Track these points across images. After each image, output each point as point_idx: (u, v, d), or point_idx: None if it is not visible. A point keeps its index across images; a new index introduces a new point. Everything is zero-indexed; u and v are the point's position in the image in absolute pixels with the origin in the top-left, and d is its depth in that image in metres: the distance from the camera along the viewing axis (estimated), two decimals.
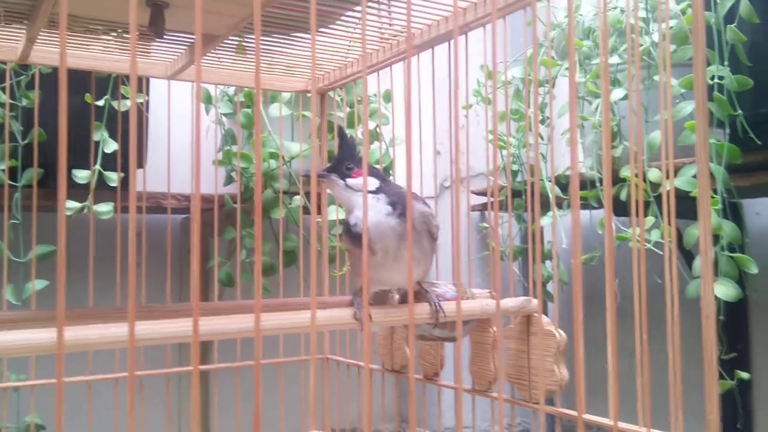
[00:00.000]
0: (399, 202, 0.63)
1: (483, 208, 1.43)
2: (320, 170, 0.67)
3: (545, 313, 0.70)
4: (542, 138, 1.29)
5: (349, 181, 0.65)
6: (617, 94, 1.12)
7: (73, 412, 0.98)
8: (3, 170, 0.99)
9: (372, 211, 0.61)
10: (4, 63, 0.96)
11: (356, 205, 0.64)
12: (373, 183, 0.64)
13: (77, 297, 1.01)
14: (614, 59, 1.14)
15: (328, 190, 0.73)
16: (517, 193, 1.31)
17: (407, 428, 1.41)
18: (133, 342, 0.38)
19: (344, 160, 0.66)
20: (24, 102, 1.01)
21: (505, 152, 1.33)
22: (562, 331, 0.67)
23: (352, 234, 0.64)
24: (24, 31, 0.76)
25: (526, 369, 0.69)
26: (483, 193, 1.39)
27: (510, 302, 0.70)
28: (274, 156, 1.17)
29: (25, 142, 1.01)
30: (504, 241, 1.36)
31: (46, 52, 0.84)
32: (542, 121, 1.27)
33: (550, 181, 1.21)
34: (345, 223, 0.66)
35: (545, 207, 1.10)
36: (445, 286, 0.71)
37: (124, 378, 0.95)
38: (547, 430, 0.70)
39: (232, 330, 0.50)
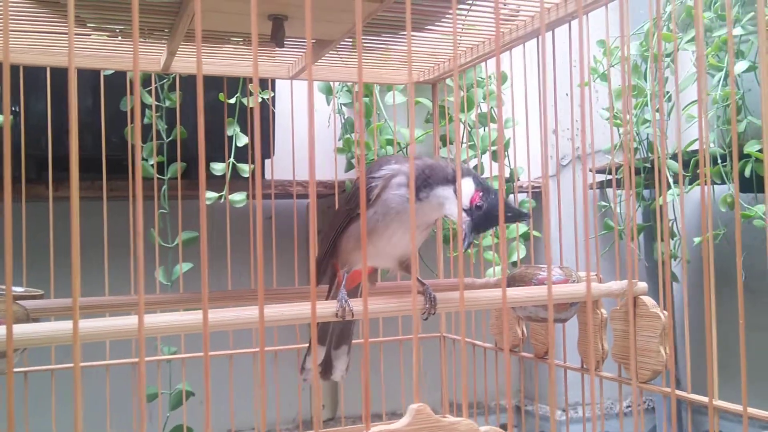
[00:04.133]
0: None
1: (601, 186, 1.42)
2: None
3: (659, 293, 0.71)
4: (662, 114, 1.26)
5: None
6: (741, 66, 1.09)
7: (218, 381, 1.10)
8: (152, 165, 1.11)
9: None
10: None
11: None
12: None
13: (217, 278, 1.12)
14: (737, 30, 1.10)
15: None
16: (636, 171, 1.29)
17: (525, 404, 1.45)
18: (263, 323, 0.44)
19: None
20: (167, 103, 1.13)
21: (622, 130, 1.31)
22: (665, 312, 0.68)
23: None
24: (165, 45, 0.86)
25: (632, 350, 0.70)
26: (601, 171, 1.38)
27: (615, 285, 0.72)
28: (390, 142, 1.23)
29: (169, 139, 1.12)
30: (622, 220, 1.35)
31: (184, 62, 0.94)
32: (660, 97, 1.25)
33: (670, 158, 1.19)
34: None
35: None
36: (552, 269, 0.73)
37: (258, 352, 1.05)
38: (673, 411, 0.72)
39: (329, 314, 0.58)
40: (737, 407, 0.58)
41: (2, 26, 0.40)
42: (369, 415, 0.44)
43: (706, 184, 0.58)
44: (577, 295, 0.69)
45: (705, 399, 0.60)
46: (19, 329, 0.46)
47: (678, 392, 0.62)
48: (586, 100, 0.67)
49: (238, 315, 0.53)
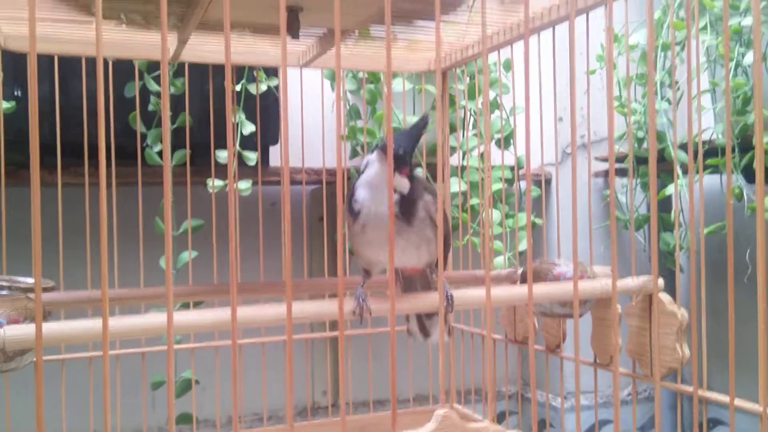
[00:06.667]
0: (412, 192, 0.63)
1: (606, 174, 1.42)
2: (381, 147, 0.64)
3: (670, 284, 0.71)
4: (669, 103, 1.26)
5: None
6: (751, 56, 1.08)
7: (225, 370, 1.10)
8: (158, 152, 1.10)
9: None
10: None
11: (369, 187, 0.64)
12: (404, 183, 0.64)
13: (224, 267, 1.12)
14: (748, 20, 1.09)
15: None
16: (642, 160, 1.29)
17: (526, 392, 1.45)
18: (290, 319, 0.44)
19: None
20: (172, 90, 1.11)
21: (629, 119, 1.30)
22: (684, 311, 0.68)
23: (351, 211, 0.64)
24: (174, 34, 0.85)
25: (647, 346, 0.70)
26: (606, 160, 1.37)
27: (631, 282, 0.71)
28: (396, 130, 1.22)
29: (174, 126, 1.11)
30: (627, 209, 1.35)
31: (194, 51, 0.92)
32: (669, 86, 1.24)
33: (679, 147, 1.18)
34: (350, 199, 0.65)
35: (671, 174, 1.08)
36: (566, 265, 0.73)
37: (268, 342, 1.05)
38: (682, 407, 0.72)
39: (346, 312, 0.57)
40: (756, 407, 0.58)
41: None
42: (395, 418, 0.43)
43: (715, 174, 0.57)
44: (598, 293, 0.69)
45: (725, 398, 0.60)
46: (49, 328, 0.45)
47: (701, 392, 0.62)
48: (592, 87, 0.66)
49: (258, 312, 0.52)
